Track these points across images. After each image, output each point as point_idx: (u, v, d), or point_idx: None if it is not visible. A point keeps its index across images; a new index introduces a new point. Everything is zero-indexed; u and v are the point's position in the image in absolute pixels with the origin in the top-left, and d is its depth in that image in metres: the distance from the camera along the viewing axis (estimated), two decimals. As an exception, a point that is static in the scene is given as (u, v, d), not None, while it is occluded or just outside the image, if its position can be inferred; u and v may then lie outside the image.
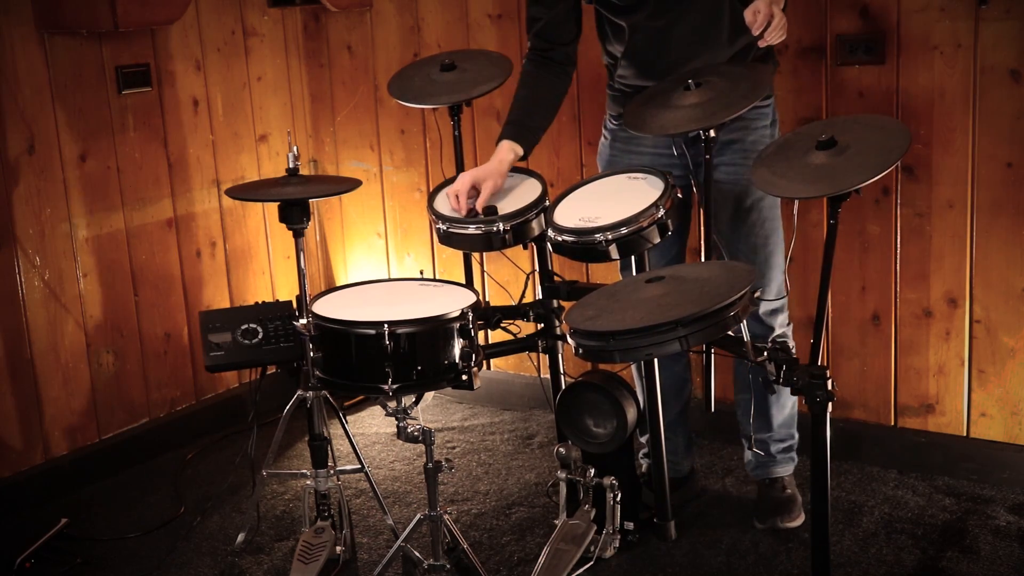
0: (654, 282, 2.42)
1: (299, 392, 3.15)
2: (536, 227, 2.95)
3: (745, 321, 2.99)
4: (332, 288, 2.98)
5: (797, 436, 3.30)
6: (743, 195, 2.99)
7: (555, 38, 3.03)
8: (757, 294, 2.43)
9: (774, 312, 3.09)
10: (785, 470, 3.28)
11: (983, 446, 3.41)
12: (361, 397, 4.24)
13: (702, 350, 2.94)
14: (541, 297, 3.14)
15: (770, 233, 3.04)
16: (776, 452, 3.26)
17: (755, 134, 2.98)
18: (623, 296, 2.46)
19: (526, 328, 3.21)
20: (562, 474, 2.99)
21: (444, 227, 2.96)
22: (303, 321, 2.87)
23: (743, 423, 3.31)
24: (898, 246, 3.43)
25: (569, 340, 2.40)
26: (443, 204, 3.04)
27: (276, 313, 3.26)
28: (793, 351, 2.63)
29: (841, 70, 3.39)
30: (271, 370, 3.37)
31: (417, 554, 2.81)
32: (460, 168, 3.41)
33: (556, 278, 3.14)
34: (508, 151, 2.97)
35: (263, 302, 3.36)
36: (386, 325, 2.62)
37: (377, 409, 4.20)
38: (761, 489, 3.30)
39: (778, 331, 3.08)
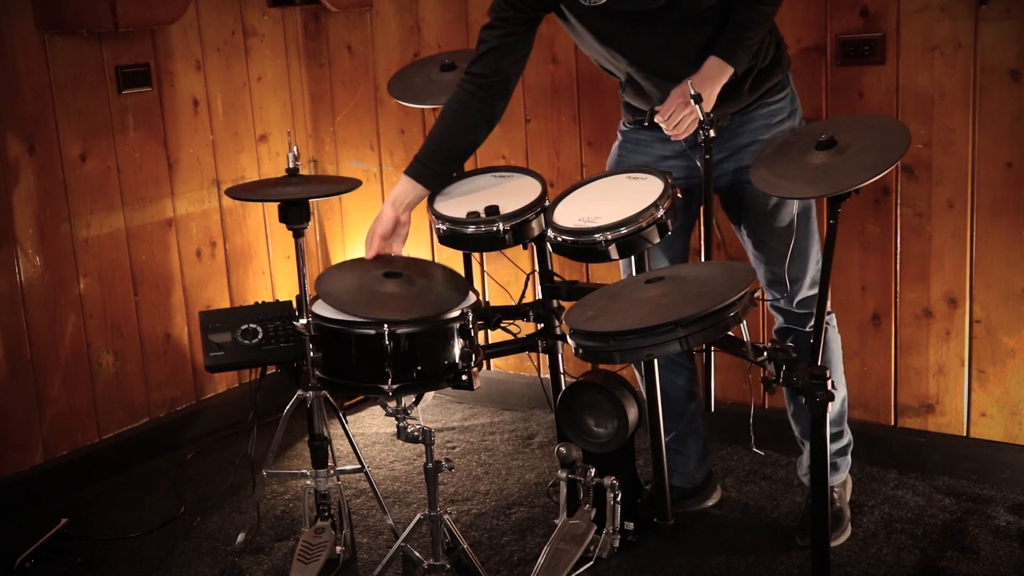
0: (654, 282, 2.42)
1: (299, 392, 3.15)
2: (536, 227, 2.94)
3: (782, 315, 2.97)
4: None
5: (850, 437, 3.17)
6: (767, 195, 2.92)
7: (502, 66, 2.86)
8: (757, 294, 2.43)
9: (810, 300, 3.03)
10: (835, 479, 3.12)
11: (983, 446, 3.41)
12: (361, 397, 4.24)
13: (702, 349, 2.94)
14: (541, 297, 3.14)
15: (804, 225, 2.97)
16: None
17: (772, 131, 2.93)
18: (623, 296, 2.46)
19: (526, 328, 3.21)
20: (562, 474, 2.99)
21: (444, 227, 2.96)
22: (303, 321, 2.87)
23: (794, 422, 3.21)
24: (898, 246, 3.43)
25: (569, 340, 2.40)
26: (443, 204, 3.04)
27: (276, 313, 3.26)
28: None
29: (841, 70, 3.39)
30: (271, 370, 3.37)
31: (417, 554, 2.81)
32: (460, 168, 3.41)
33: (556, 278, 3.14)
34: (411, 190, 2.90)
35: (263, 302, 3.36)
36: (386, 325, 2.62)
37: (377, 409, 4.20)
38: (807, 499, 3.16)
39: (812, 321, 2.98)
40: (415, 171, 2.90)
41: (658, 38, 2.82)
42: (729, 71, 2.79)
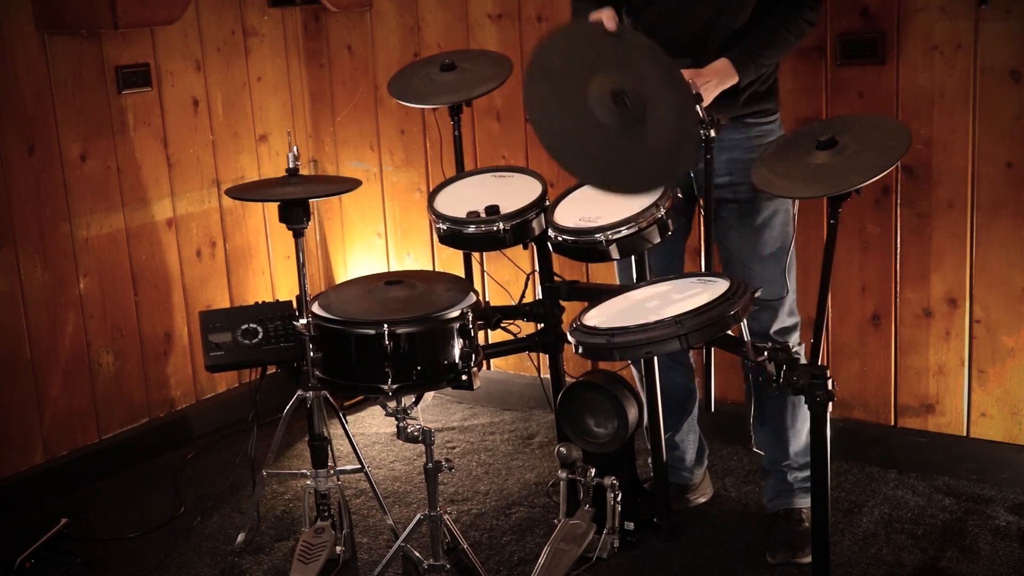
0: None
1: (299, 392, 3.14)
2: (536, 227, 2.94)
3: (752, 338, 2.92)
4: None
5: None
6: (751, 211, 2.93)
7: None
8: (757, 294, 2.43)
9: (786, 331, 3.01)
10: (804, 502, 3.13)
11: (983, 446, 3.41)
12: (361, 397, 4.24)
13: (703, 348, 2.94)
14: (541, 297, 3.14)
15: (783, 248, 2.95)
16: (794, 481, 3.14)
17: (756, 152, 2.88)
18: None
19: (526, 328, 3.21)
20: (562, 474, 2.99)
21: (444, 227, 2.96)
22: (303, 321, 2.87)
23: (764, 452, 3.18)
24: (898, 246, 3.43)
25: (569, 338, 2.40)
26: (443, 204, 3.04)
27: (276, 313, 3.26)
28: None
29: (841, 70, 3.39)
30: (271, 370, 3.37)
31: (417, 554, 2.81)
32: (460, 168, 3.42)
33: (556, 278, 3.14)
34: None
35: (263, 302, 3.36)
36: (386, 325, 2.62)
37: (377, 409, 4.20)
38: (776, 521, 3.16)
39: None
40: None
41: (685, 19, 2.83)
42: (734, 80, 2.79)
